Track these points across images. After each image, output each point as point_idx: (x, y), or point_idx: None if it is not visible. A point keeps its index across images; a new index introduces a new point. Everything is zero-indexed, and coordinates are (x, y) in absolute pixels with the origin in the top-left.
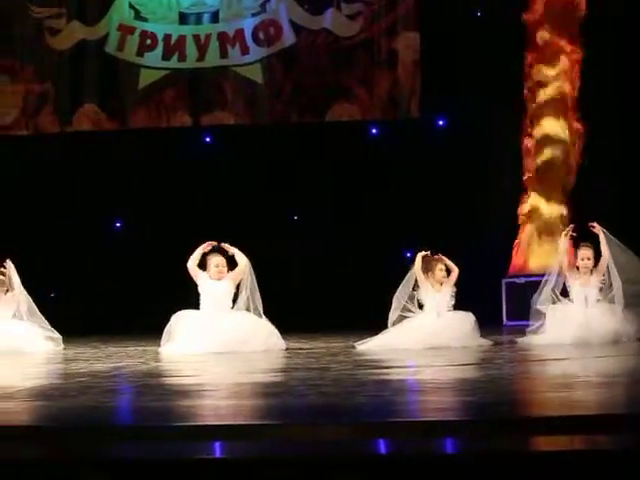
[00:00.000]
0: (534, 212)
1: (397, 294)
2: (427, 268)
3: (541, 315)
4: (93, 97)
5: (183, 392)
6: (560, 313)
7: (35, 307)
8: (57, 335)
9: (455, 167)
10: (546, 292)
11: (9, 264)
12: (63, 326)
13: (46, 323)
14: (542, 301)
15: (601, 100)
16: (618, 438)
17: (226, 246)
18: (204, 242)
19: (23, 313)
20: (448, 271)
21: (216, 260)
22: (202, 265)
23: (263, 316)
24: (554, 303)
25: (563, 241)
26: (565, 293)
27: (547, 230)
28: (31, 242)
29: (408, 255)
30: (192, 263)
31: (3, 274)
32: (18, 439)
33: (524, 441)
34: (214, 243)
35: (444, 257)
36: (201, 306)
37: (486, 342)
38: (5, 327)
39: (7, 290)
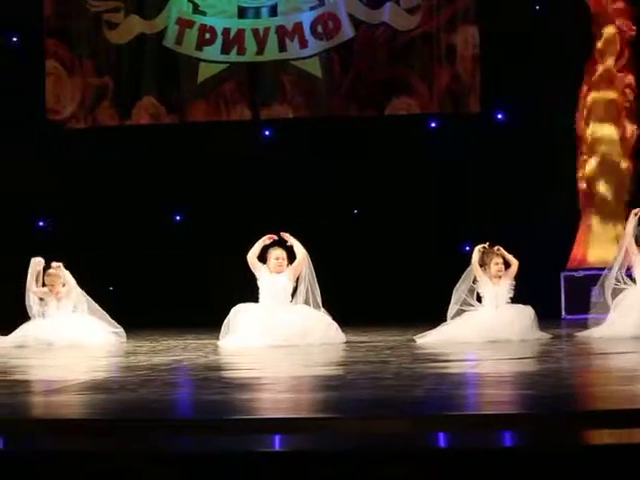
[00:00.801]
0: (594, 192)
1: (457, 288)
2: (484, 262)
3: (604, 306)
4: (152, 91)
5: (242, 385)
6: (622, 305)
7: (96, 305)
8: (120, 329)
9: (514, 161)
10: (613, 274)
11: (61, 267)
12: (122, 320)
13: (107, 317)
14: (609, 283)
15: None
16: None
17: (286, 235)
18: (263, 236)
19: (83, 312)
20: (507, 264)
21: (276, 253)
22: (261, 258)
23: (322, 308)
24: (618, 283)
25: (632, 221)
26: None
27: (609, 214)
28: (90, 236)
29: (467, 248)
30: (252, 255)
31: (56, 271)
32: (77, 432)
33: (583, 434)
34: (274, 237)
35: (503, 250)
36: (260, 299)
37: (545, 335)
38: (66, 320)
39: (64, 284)
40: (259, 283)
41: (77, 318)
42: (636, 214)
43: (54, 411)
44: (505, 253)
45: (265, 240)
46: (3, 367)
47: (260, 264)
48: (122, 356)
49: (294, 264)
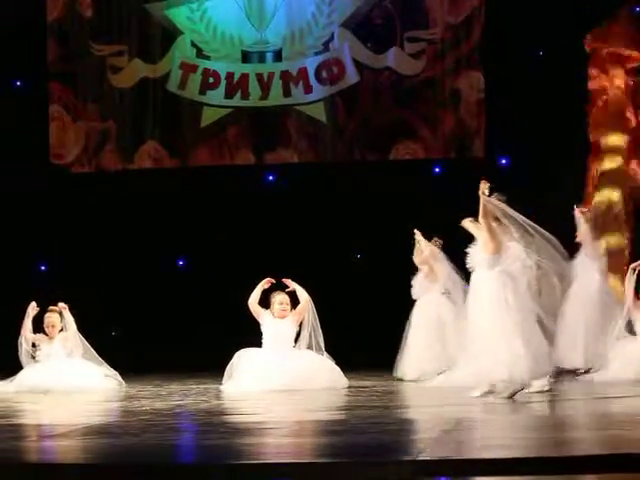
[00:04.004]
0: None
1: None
2: None
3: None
4: (155, 135)
5: (245, 430)
6: (622, 349)
7: (93, 351)
8: (115, 373)
9: (518, 206)
10: (617, 330)
11: (65, 308)
12: (124, 364)
13: (104, 364)
14: (612, 340)
15: None
16: None
17: (288, 281)
18: (265, 280)
19: (79, 357)
20: None
21: (280, 298)
22: (264, 303)
23: (325, 353)
24: (618, 340)
25: (630, 277)
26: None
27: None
28: (92, 280)
29: None
30: (253, 302)
31: (58, 312)
32: (79, 477)
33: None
34: (273, 281)
35: None
36: (263, 344)
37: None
38: (61, 365)
39: (61, 329)
40: (262, 328)
41: (73, 363)
42: (634, 269)
43: (57, 456)
44: None
45: (264, 284)
46: (5, 412)
47: (262, 309)
48: (125, 401)
49: (297, 309)
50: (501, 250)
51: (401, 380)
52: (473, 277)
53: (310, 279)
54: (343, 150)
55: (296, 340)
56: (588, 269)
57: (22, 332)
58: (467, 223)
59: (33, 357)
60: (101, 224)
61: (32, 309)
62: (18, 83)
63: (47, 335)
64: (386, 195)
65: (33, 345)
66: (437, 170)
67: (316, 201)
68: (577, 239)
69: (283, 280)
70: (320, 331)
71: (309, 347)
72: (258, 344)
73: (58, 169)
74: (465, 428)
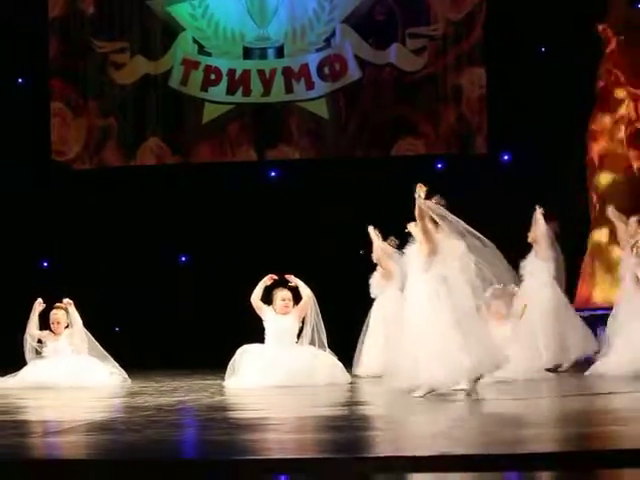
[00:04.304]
0: (597, 247)
1: None
2: None
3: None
4: (156, 131)
5: (248, 426)
6: (622, 341)
7: (99, 347)
8: (121, 371)
9: (520, 202)
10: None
11: (71, 304)
12: (127, 360)
13: (111, 360)
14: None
15: None
16: None
17: (291, 277)
18: (268, 276)
19: (84, 353)
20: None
21: (282, 294)
22: (266, 299)
23: (327, 349)
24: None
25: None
26: None
27: (609, 263)
28: (95, 277)
29: None
30: (255, 298)
31: (64, 309)
32: (82, 473)
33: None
34: (275, 277)
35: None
36: (266, 340)
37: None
38: (65, 362)
39: (67, 326)
40: (265, 324)
41: (78, 359)
42: (632, 248)
43: (60, 452)
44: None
45: (266, 281)
46: (8, 408)
47: (265, 306)
48: (128, 397)
49: (300, 305)
50: (436, 253)
51: (357, 377)
52: (408, 281)
53: (312, 275)
54: (345, 146)
55: (298, 336)
56: (537, 270)
57: (28, 329)
58: (411, 227)
59: (39, 353)
60: (103, 220)
61: (38, 305)
62: (20, 80)
63: (53, 332)
64: (388, 191)
65: (39, 342)
66: (439, 166)
67: (318, 197)
68: (529, 239)
69: (285, 276)
70: (323, 327)
71: (311, 343)
72: (261, 340)
73: (60, 166)
74: (462, 425)
